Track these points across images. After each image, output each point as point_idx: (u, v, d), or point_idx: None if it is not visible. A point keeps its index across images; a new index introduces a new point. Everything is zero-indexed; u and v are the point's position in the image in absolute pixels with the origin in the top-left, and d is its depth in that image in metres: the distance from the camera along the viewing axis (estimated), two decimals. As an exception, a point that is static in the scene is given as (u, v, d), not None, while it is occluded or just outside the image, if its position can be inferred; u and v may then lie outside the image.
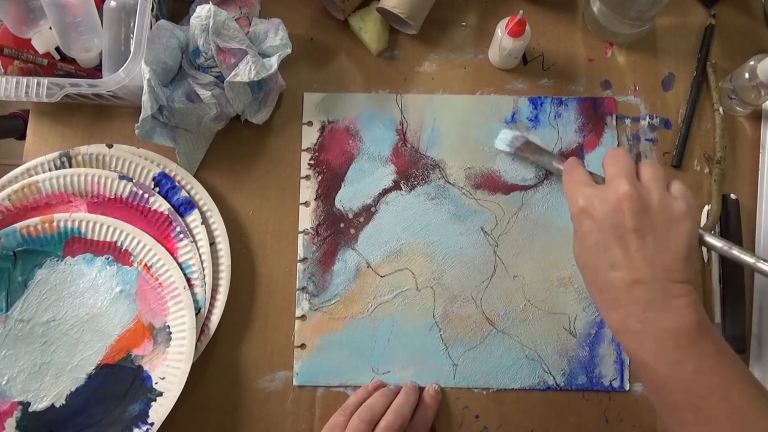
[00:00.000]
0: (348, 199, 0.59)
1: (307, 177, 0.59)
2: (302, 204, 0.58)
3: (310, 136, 0.60)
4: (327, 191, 0.59)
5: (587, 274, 0.43)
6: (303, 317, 0.56)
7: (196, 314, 0.54)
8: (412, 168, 0.59)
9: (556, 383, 0.55)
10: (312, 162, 0.59)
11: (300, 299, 0.57)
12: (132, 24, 0.55)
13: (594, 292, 0.43)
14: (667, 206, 0.41)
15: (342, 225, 0.58)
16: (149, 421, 0.52)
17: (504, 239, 0.58)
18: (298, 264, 0.57)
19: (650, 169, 0.43)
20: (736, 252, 0.44)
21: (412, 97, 0.61)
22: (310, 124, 0.60)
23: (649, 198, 0.41)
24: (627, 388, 0.55)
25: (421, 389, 0.55)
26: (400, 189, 0.59)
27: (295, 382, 0.55)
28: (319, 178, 0.59)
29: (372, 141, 0.60)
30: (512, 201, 0.58)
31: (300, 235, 0.58)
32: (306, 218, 0.58)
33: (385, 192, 0.59)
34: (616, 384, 0.55)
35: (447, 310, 0.56)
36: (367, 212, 0.58)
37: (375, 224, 0.58)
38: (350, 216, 0.58)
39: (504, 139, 0.58)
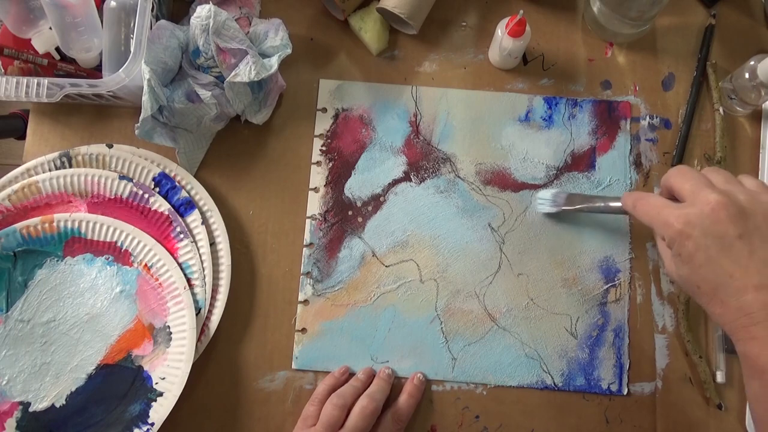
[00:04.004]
0: (357, 187, 0.59)
1: (318, 163, 0.59)
2: (311, 189, 0.59)
3: (323, 123, 0.60)
4: (337, 178, 0.59)
5: (705, 292, 0.40)
6: (306, 302, 0.57)
7: (196, 314, 0.54)
8: (423, 160, 0.59)
9: (554, 383, 0.55)
10: (324, 148, 0.60)
11: (304, 284, 0.57)
12: (132, 24, 0.55)
13: (715, 307, 0.40)
14: (757, 203, 0.40)
15: (350, 213, 0.58)
16: (149, 421, 0.51)
17: (511, 236, 0.58)
18: (304, 249, 0.57)
19: (718, 173, 0.42)
20: None
21: (426, 90, 0.61)
22: (324, 110, 0.60)
23: (738, 200, 0.40)
24: (625, 392, 0.55)
25: (404, 378, 0.55)
26: (410, 180, 0.59)
27: (293, 366, 0.55)
28: (330, 164, 0.59)
29: (385, 131, 0.60)
30: (521, 199, 0.59)
31: (307, 220, 0.58)
32: (314, 204, 0.58)
33: (395, 182, 0.59)
34: (614, 388, 0.55)
35: (449, 304, 0.57)
36: (376, 201, 0.59)
37: (383, 214, 0.58)
38: (359, 204, 0.59)
39: (544, 200, 0.57)
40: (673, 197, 0.44)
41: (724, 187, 0.41)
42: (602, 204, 0.53)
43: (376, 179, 0.59)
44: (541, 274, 0.57)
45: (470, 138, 0.60)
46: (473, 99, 0.61)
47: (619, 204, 0.50)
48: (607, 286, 0.57)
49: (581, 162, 0.59)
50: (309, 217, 0.58)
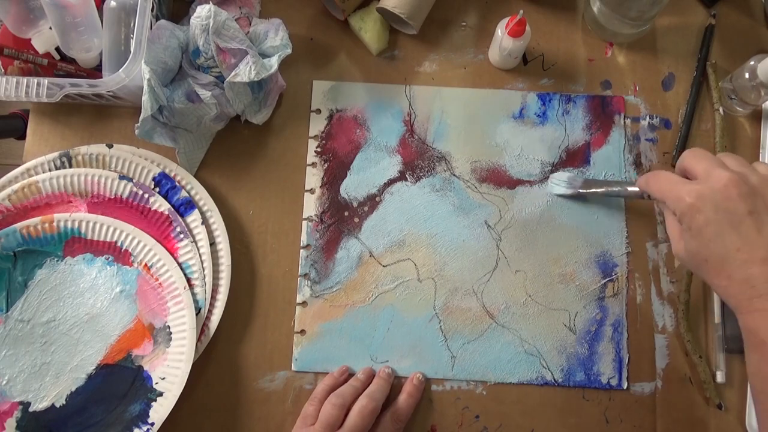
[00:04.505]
0: (353, 187, 0.59)
1: (314, 164, 0.59)
2: (307, 191, 0.59)
3: (317, 124, 0.60)
4: (332, 179, 0.59)
5: (713, 266, 0.42)
6: (304, 303, 0.57)
7: (196, 314, 0.54)
8: (418, 159, 0.59)
9: (554, 379, 0.55)
10: (319, 150, 0.60)
11: (302, 285, 0.57)
12: (132, 24, 0.55)
13: (721, 280, 0.42)
14: (767, 184, 0.42)
15: (346, 213, 0.58)
16: (149, 421, 0.52)
17: (507, 234, 0.58)
18: (301, 250, 0.57)
19: (732, 157, 0.44)
20: None
21: (420, 89, 0.61)
22: (318, 111, 0.60)
23: (750, 181, 0.41)
24: (624, 386, 0.55)
25: (403, 378, 0.55)
26: (406, 180, 0.59)
27: (293, 368, 0.55)
28: (326, 165, 0.59)
29: (379, 131, 0.60)
30: (517, 196, 0.59)
31: (304, 222, 0.58)
32: (311, 205, 0.58)
33: (391, 182, 0.59)
34: (614, 382, 0.55)
35: (447, 302, 0.57)
36: (372, 201, 0.59)
37: (379, 214, 0.58)
38: (355, 205, 0.59)
39: (560, 181, 0.58)
40: (687, 178, 0.45)
41: (737, 168, 0.42)
42: (618, 188, 0.54)
43: (372, 179, 0.59)
44: (538, 270, 0.57)
45: (465, 136, 0.60)
46: (467, 97, 0.61)
47: (635, 188, 0.51)
48: (604, 281, 0.57)
49: (576, 157, 0.59)
50: (305, 219, 0.58)
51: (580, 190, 0.57)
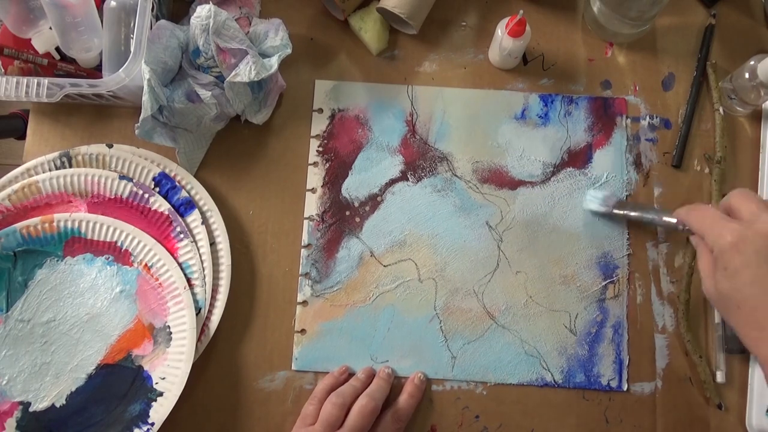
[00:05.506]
0: (354, 187, 0.59)
1: (315, 164, 0.59)
2: (309, 190, 0.59)
3: (319, 124, 0.60)
4: (334, 179, 0.59)
5: (744, 313, 0.41)
6: (304, 303, 0.57)
7: (197, 314, 0.54)
8: (419, 159, 0.59)
9: (554, 380, 0.55)
10: (320, 149, 0.60)
11: (302, 285, 0.57)
12: (132, 24, 0.55)
13: (751, 330, 0.41)
14: None
15: (347, 213, 0.58)
16: (150, 421, 0.52)
17: (508, 234, 0.58)
18: (302, 250, 0.58)
19: None
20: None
21: (422, 89, 0.61)
22: (320, 111, 0.60)
23: None
24: (625, 388, 0.55)
25: (403, 378, 0.55)
26: (407, 180, 0.59)
27: (293, 367, 0.55)
28: (327, 165, 0.59)
29: (381, 131, 0.60)
30: (518, 197, 0.59)
31: (305, 221, 0.58)
32: (312, 205, 0.58)
33: (392, 182, 0.59)
34: (614, 384, 0.55)
35: (448, 303, 0.57)
36: (373, 201, 0.59)
37: (380, 214, 0.58)
38: (356, 204, 0.59)
39: (596, 198, 0.57)
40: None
41: None
42: (654, 216, 0.53)
43: (373, 179, 0.59)
44: (539, 271, 0.57)
45: (467, 136, 0.60)
46: (469, 97, 0.61)
47: (672, 219, 0.50)
48: (605, 283, 0.57)
49: (578, 159, 0.59)
50: (307, 218, 0.58)
51: (614, 210, 0.56)
